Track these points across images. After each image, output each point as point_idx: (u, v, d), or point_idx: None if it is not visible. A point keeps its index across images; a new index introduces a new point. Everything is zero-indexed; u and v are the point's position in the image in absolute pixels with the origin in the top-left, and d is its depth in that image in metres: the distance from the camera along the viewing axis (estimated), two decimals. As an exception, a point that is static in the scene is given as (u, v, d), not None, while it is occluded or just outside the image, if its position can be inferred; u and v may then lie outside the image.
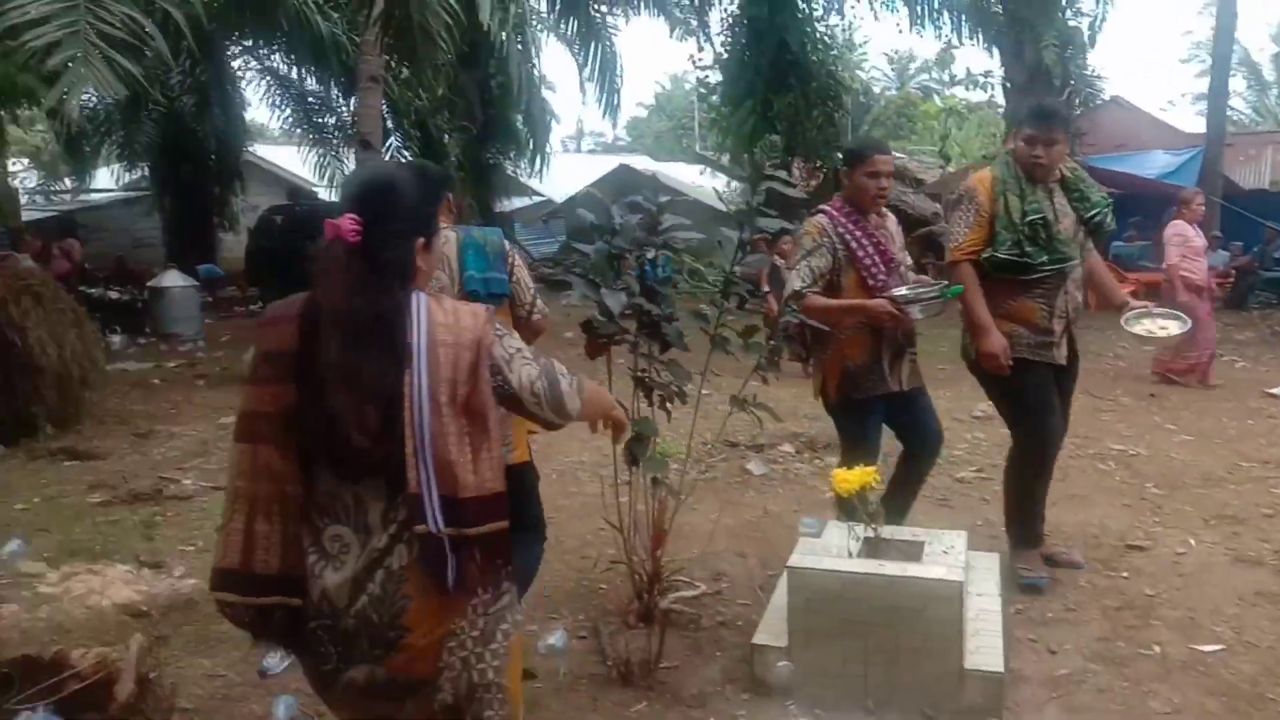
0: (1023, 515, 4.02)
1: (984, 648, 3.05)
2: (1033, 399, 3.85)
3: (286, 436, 1.76)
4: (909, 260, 4.11)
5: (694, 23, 18.22)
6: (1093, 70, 13.59)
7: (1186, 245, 8.31)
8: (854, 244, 3.74)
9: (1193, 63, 38.69)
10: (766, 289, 8.86)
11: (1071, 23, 12.57)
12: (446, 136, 16.55)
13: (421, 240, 1.85)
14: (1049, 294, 3.76)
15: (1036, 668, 3.27)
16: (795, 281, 3.72)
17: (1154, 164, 14.56)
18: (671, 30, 18.77)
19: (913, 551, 3.43)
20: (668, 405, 3.38)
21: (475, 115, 16.46)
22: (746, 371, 3.57)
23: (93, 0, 5.14)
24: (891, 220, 3.98)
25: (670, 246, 3.30)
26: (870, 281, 3.72)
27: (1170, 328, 3.96)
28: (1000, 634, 3.15)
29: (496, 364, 1.83)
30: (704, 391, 3.65)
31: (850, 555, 3.30)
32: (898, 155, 24.36)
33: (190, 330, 12.26)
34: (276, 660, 3.31)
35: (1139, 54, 65.10)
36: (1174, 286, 8.25)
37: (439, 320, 1.77)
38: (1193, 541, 4.48)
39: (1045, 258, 3.68)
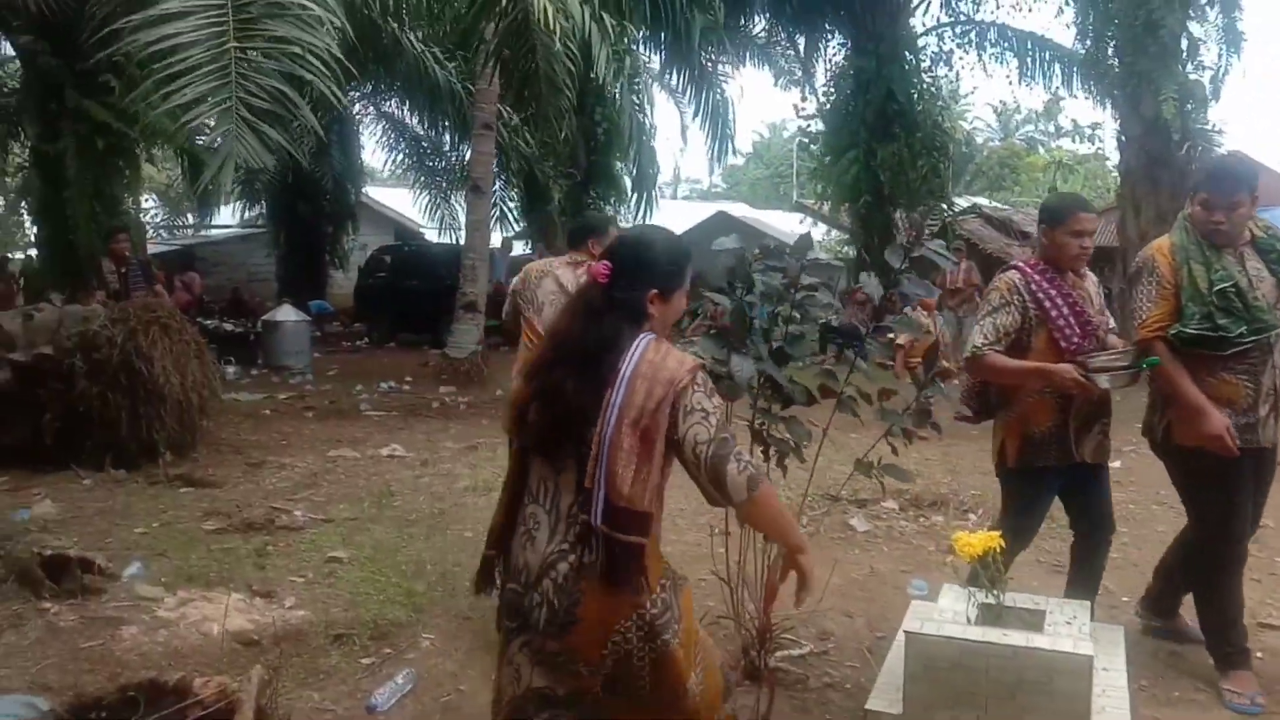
0: (1218, 622, 3.64)
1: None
2: (1228, 491, 3.51)
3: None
4: (1111, 323, 3.82)
5: (799, 73, 18.33)
6: (1213, 125, 13.10)
7: None
8: (1047, 303, 3.53)
9: (1319, 117, 37.13)
10: (898, 342, 8.71)
11: (1193, 75, 12.20)
12: (551, 182, 16.88)
13: (655, 292, 2.19)
14: (1253, 369, 3.42)
15: None
16: (976, 338, 3.57)
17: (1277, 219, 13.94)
18: (776, 80, 18.96)
19: (1034, 621, 3.28)
20: (784, 462, 3.32)
21: (580, 162, 16.76)
22: (861, 427, 3.49)
23: (243, 75, 5.41)
24: (1091, 280, 3.75)
25: (806, 307, 3.24)
26: (1063, 344, 3.50)
27: None
28: (1128, 712, 2.99)
29: (676, 410, 2.08)
30: (819, 447, 3.59)
31: (969, 622, 3.19)
32: (1001, 207, 23.95)
33: (301, 363, 12.68)
34: (385, 696, 3.35)
35: (1257, 105, 62.78)
36: None
37: (648, 358, 2.09)
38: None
39: (1243, 329, 3.33)
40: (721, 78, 15.53)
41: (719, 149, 15.40)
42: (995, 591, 3.23)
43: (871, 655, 3.81)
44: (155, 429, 6.97)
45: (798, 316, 3.27)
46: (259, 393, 10.72)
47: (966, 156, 42.28)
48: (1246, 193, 3.41)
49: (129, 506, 6.00)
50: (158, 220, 25.24)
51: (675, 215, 24.24)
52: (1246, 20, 12.64)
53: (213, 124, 5.71)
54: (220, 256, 23.16)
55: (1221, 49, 12.72)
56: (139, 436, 6.92)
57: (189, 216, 25.36)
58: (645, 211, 17.67)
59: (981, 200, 24.71)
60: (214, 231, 24.45)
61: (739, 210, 28.08)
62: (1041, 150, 39.56)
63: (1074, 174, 31.92)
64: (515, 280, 4.77)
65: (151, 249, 20.20)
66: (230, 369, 11.72)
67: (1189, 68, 12.25)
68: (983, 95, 67.61)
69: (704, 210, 27.03)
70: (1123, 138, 12.85)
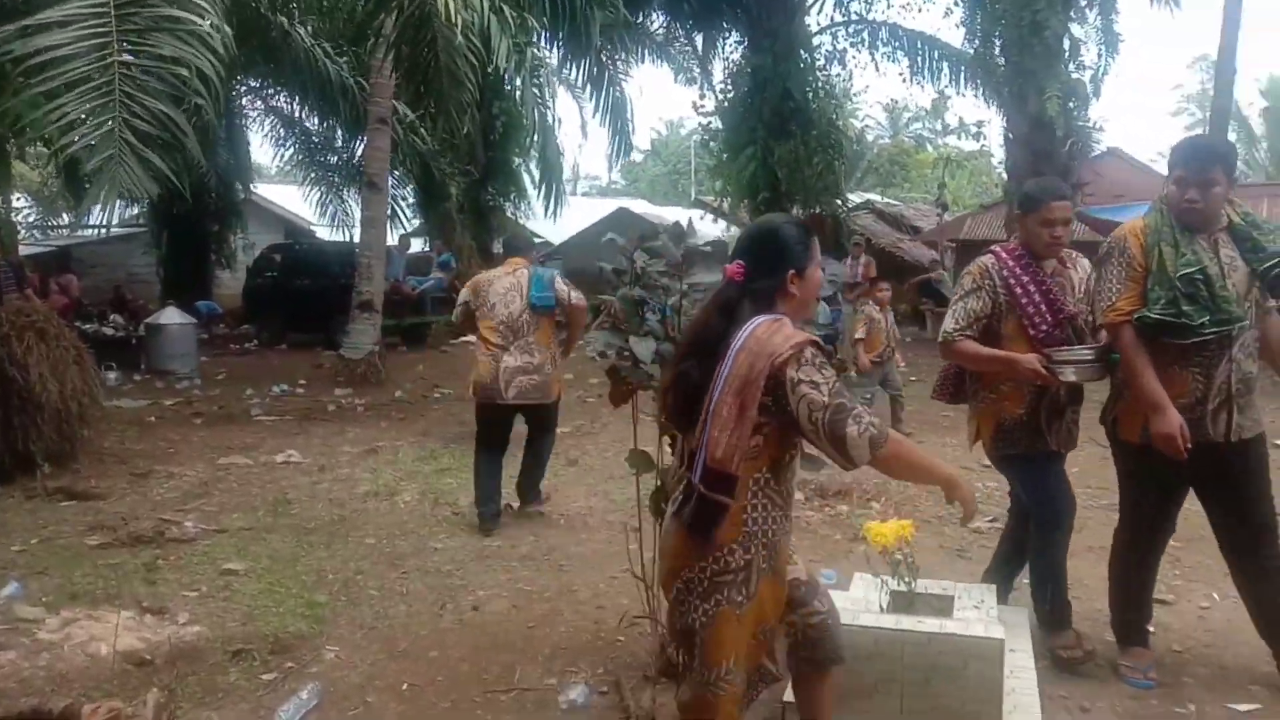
0: (1127, 607, 3.65)
1: (1021, 706, 2.96)
2: (1162, 492, 3.46)
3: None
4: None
5: (697, 70, 18.48)
6: (1093, 122, 13.71)
7: None
8: (1018, 289, 3.50)
9: (1182, 115, 39.24)
10: (856, 337, 8.71)
11: (1075, 75, 12.72)
12: (448, 178, 16.60)
13: (792, 272, 2.36)
14: (1208, 362, 3.24)
15: (1072, 728, 3.19)
16: (948, 322, 3.57)
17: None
18: (675, 77, 19.05)
19: (944, 606, 3.36)
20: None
21: (478, 157, 16.52)
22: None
23: (128, 95, 5.13)
24: (1080, 267, 3.65)
25: (697, 292, 3.24)
26: (1031, 331, 3.46)
27: None
28: (1036, 692, 3.07)
29: (783, 382, 2.20)
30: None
31: (882, 610, 3.23)
32: (892, 203, 24.61)
33: (187, 367, 12.16)
34: (289, 712, 3.20)
35: (1131, 107, 66.09)
36: None
37: (757, 335, 2.25)
38: (1216, 595, 4.40)
39: (1206, 319, 3.16)
40: (621, 74, 15.52)
41: (619, 145, 15.39)
42: (907, 579, 3.28)
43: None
44: (32, 439, 6.58)
45: (688, 305, 3.26)
46: (143, 399, 10.23)
47: (859, 154, 43.29)
48: (1222, 170, 3.24)
49: (4, 523, 5.64)
50: (30, 220, 23.92)
51: (575, 211, 24.14)
52: (1121, 23, 13.20)
53: (94, 143, 5.37)
54: (98, 257, 22.06)
55: (1100, 49, 13.31)
56: (14, 448, 6.53)
57: (64, 216, 24.11)
58: (554, 206, 17.52)
59: (874, 196, 25.36)
60: (90, 231, 23.26)
61: (639, 206, 28.16)
62: (930, 147, 40.84)
63: (961, 170, 33.00)
64: (465, 292, 5.78)
65: (24, 250, 19.13)
66: (111, 375, 11.14)
67: (1071, 67, 12.78)
68: (873, 94, 69.37)
69: (604, 207, 27.01)
70: (1009, 135, 13.32)
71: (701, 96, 17.96)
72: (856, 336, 8.57)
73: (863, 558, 3.75)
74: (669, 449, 3.29)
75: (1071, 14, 12.48)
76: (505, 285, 5.54)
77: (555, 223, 19.28)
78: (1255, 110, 37.40)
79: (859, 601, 3.37)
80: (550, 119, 17.39)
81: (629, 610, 3.87)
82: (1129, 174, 17.75)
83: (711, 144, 17.88)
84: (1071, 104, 12.49)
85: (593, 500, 6.18)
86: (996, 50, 13.11)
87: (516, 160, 18.92)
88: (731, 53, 17.62)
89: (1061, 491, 3.65)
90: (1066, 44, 12.50)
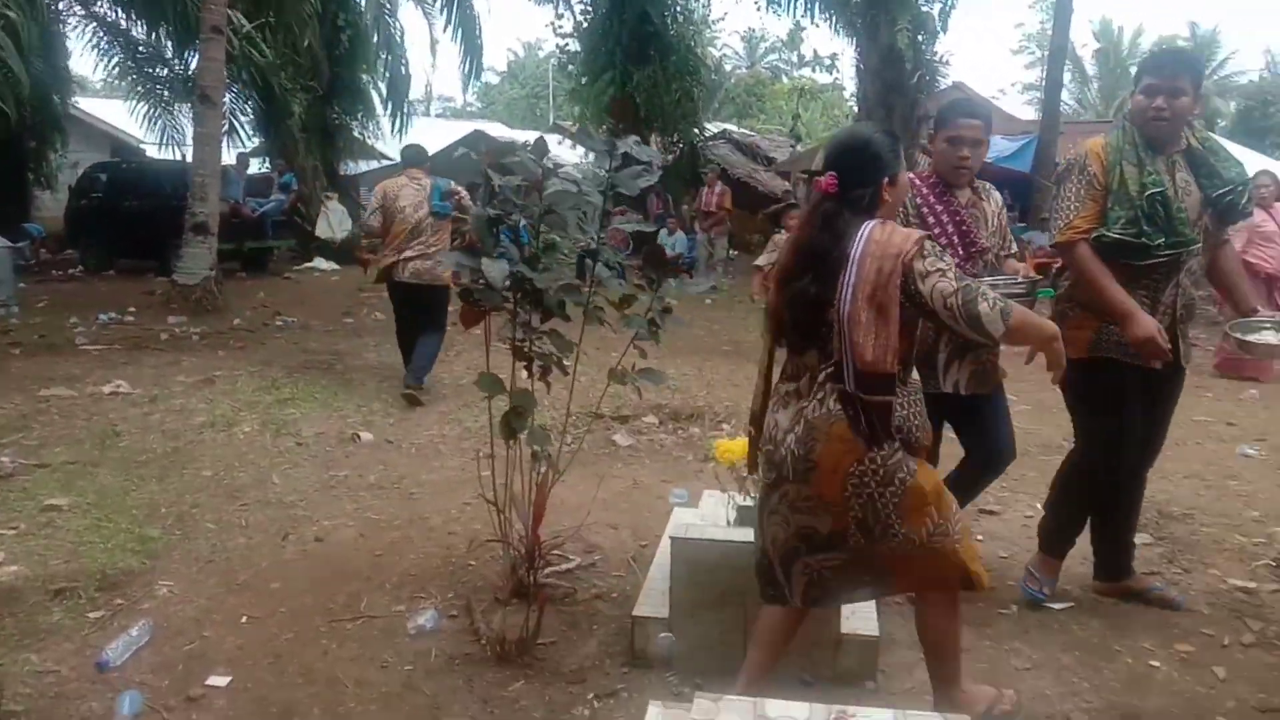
0: (1060, 528, 3.58)
1: (859, 611, 3.08)
2: (1110, 405, 3.31)
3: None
4: (1013, 248, 3.59)
5: (555, -13, 17.96)
6: (940, 56, 14.12)
7: (1254, 231, 7.77)
8: (931, 218, 3.30)
9: (1023, 54, 40.98)
10: (757, 263, 8.63)
11: (924, 8, 13.02)
12: (290, 95, 15.69)
13: (886, 179, 2.44)
14: (1156, 285, 3.20)
15: (906, 631, 3.33)
16: None
17: (992, 149, 15.28)
18: (531, -5, 18.49)
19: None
20: (547, 378, 3.25)
21: (321, 73, 15.68)
22: (612, 342, 3.45)
23: None
24: (994, 201, 3.49)
25: (555, 211, 3.15)
26: None
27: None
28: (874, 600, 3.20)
29: (913, 275, 2.29)
30: (572, 363, 3.53)
31: (728, 524, 3.29)
32: (747, 133, 24.82)
33: (3, 294, 11.21)
34: (117, 651, 3.04)
35: (974, 43, 68.42)
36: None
37: (875, 238, 2.31)
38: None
39: (1161, 240, 3.09)
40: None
41: (471, 65, 14.87)
42: (751, 494, 3.34)
43: (637, 564, 3.87)
44: None
45: (546, 227, 3.18)
46: (-49, 328, 9.41)
47: (717, 83, 43.50)
48: (1189, 79, 3.15)
49: None
50: None
51: (429, 133, 23.29)
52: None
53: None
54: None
55: (949, -19, 13.63)
56: None
57: None
58: (401, 126, 16.84)
59: (730, 126, 25.50)
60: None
61: (496, 130, 27.43)
62: (786, 79, 41.28)
63: (815, 102, 33.53)
64: (374, 198, 6.82)
65: None
66: (-86, 302, 10.19)
67: (920, 0, 13.06)
68: (731, 23, 69.41)
69: (459, 129, 26.18)
70: (860, 66, 13.56)
71: (559, 17, 17.54)
72: (757, 262, 8.49)
73: (713, 476, 3.81)
74: (524, 372, 3.24)
75: (923, -53, 12.73)
76: (412, 192, 6.60)
77: (403, 142, 18.57)
78: (1089, 51, 39.51)
79: (708, 517, 3.43)
80: (396, 33, 16.62)
81: (480, 535, 3.83)
82: (972, 108, 18.40)
83: (570, 67, 17.53)
84: (920, 37, 12.80)
85: (445, 428, 6.07)
86: (851, -19, 13.27)
87: (365, 77, 18.04)
88: (590, -30, 17.21)
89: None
90: (918, -25, 12.76)
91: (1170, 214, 3.11)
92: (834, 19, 14.43)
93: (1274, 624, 3.46)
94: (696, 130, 16.55)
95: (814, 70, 31.46)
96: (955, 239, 3.31)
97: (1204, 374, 7.67)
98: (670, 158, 16.37)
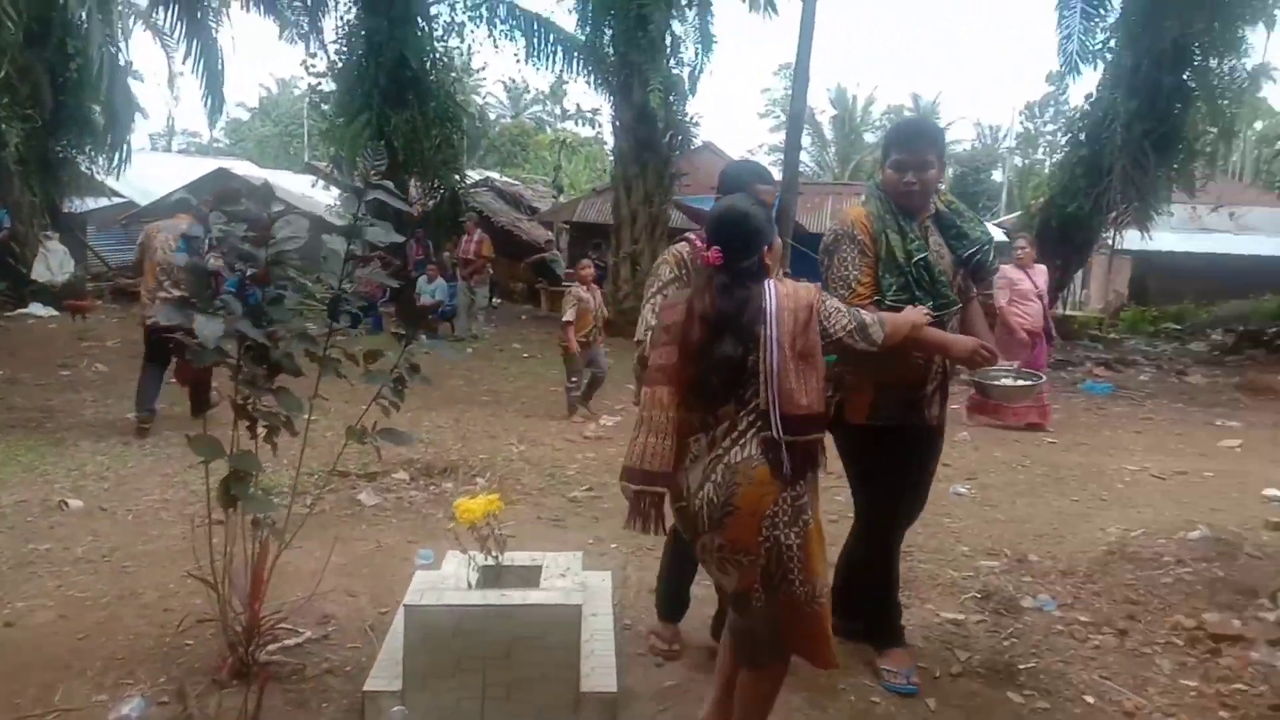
0: (877, 602, 3.55)
1: (599, 668, 3.08)
2: (896, 469, 3.37)
3: (674, 382, 2.60)
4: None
5: (306, 27, 17.33)
6: (690, 117, 14.79)
7: (1014, 289, 8.49)
8: None
9: (768, 117, 43.83)
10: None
11: (675, 71, 13.62)
12: (5, 125, 14.17)
13: (766, 247, 2.63)
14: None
15: (646, 683, 3.37)
16: (644, 325, 3.11)
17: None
18: (281, 32, 17.74)
19: (531, 576, 3.42)
20: (273, 438, 3.05)
21: (43, 102, 14.28)
22: (361, 394, 3.31)
23: None
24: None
25: (282, 262, 2.98)
26: None
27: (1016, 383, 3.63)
28: (613, 653, 3.21)
29: (822, 317, 2.59)
30: (311, 418, 3.34)
31: (469, 587, 3.21)
32: (511, 181, 24.97)
33: None
34: None
35: (726, 106, 72.51)
36: (1006, 329, 8.31)
37: (783, 294, 2.55)
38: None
39: (931, 304, 3.16)
40: (213, 22, 14.15)
41: (214, 100, 14.05)
42: (494, 553, 3.28)
43: (375, 633, 3.68)
44: None
45: (278, 273, 3.00)
46: None
47: (481, 131, 43.54)
48: (935, 153, 3.26)
49: None
50: None
51: (167, 169, 21.88)
52: (718, 25, 14.40)
53: None
54: None
55: (698, 48, 14.37)
56: None
57: None
58: (120, 161, 15.57)
59: (493, 174, 25.55)
60: None
61: (242, 168, 26.01)
62: (549, 130, 41.94)
63: (577, 154, 34.23)
64: (141, 238, 7.17)
65: None
66: None
67: (672, 63, 13.66)
68: (495, 72, 69.80)
69: (202, 166, 24.64)
70: (616, 122, 13.98)
71: (311, 55, 16.93)
72: (566, 318, 8.33)
73: (455, 536, 3.70)
74: (246, 431, 3.03)
75: (674, 11, 13.34)
76: (166, 236, 6.78)
77: (121, 179, 17.17)
78: (827, 117, 42.78)
79: (448, 579, 3.32)
80: (119, 61, 15.40)
81: (196, 611, 3.52)
82: (722, 167, 19.44)
83: (324, 107, 16.94)
84: (672, 98, 13.37)
85: (169, 492, 5.59)
86: (606, 40, 13.68)
87: (95, 108, 16.61)
88: (345, 12, 16.76)
89: None
90: (669, 40, 13.35)
91: (934, 277, 3.21)
92: (592, 76, 14.82)
93: (978, 653, 3.76)
94: (458, 177, 16.40)
95: (577, 124, 32.29)
96: None
97: (950, 420, 8.36)
98: (430, 203, 16.14)
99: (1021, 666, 3.64)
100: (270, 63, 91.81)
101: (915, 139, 3.33)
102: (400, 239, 3.45)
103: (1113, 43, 14.05)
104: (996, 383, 3.59)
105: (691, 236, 3.37)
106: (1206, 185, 15.21)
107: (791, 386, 2.48)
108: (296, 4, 17.07)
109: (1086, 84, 14.12)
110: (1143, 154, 13.20)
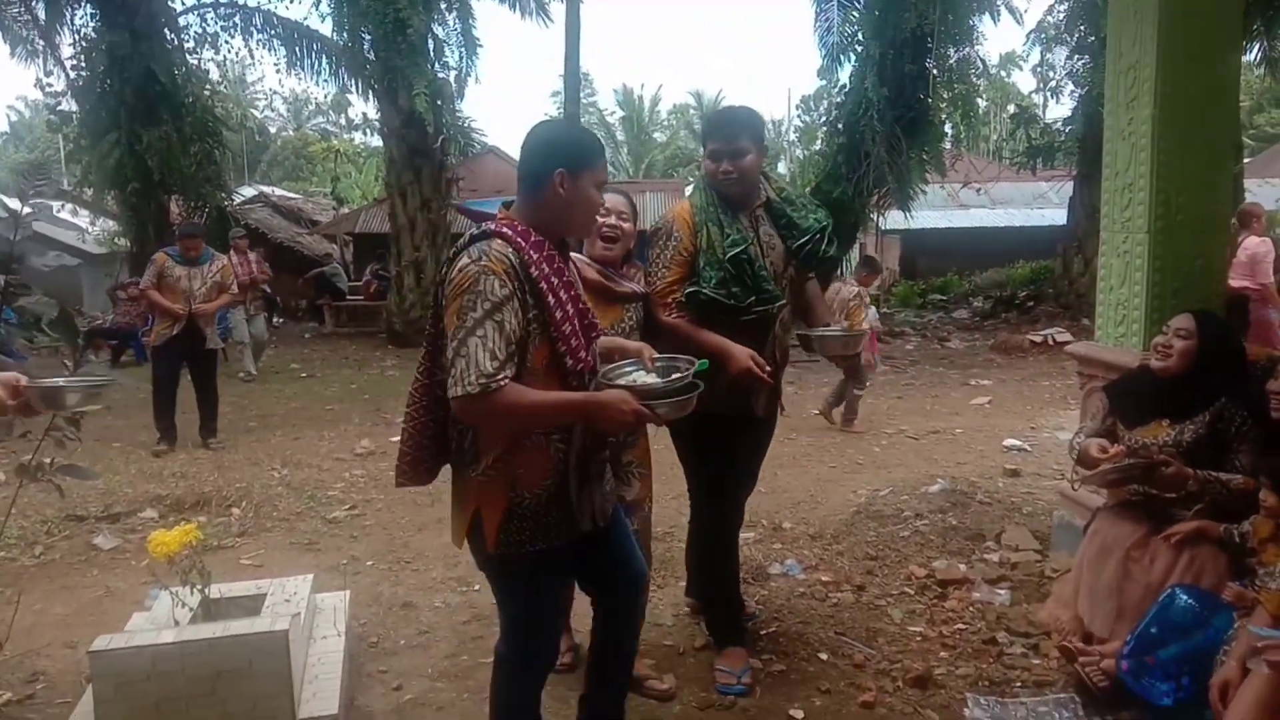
0: (714, 604, 3.54)
1: (320, 693, 2.95)
2: (716, 463, 3.34)
3: None
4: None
5: (40, 43, 15.97)
6: (466, 121, 14.60)
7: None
8: (550, 298, 2.23)
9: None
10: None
11: (440, 75, 13.40)
12: None
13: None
14: (755, 340, 3.15)
15: (384, 700, 3.27)
16: (483, 362, 2.08)
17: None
18: (12, 51, 16.28)
19: (254, 605, 3.25)
20: None
21: None
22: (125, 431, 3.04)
23: None
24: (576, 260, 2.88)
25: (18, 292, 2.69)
26: (570, 362, 2.28)
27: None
28: (339, 676, 3.08)
29: None
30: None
31: (176, 624, 3.01)
32: (288, 195, 23.98)
33: None
34: None
35: (514, 111, 72.39)
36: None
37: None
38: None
39: (751, 299, 3.11)
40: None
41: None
42: (199, 587, 3.10)
43: (90, 685, 3.40)
44: None
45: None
46: None
47: (261, 145, 41.60)
48: (749, 139, 3.14)
49: None
50: None
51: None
52: (488, 29, 14.34)
53: None
54: None
55: (462, 52, 14.20)
56: None
57: None
58: None
59: (268, 189, 24.44)
60: None
61: (-12, 199, 23.78)
62: (335, 141, 40.58)
63: (366, 165, 33.24)
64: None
65: None
66: None
67: (436, 67, 13.43)
68: (275, 84, 66.78)
69: (-62, 200, 22.32)
70: (383, 129, 13.63)
71: (48, 74, 15.63)
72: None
73: (151, 573, 3.43)
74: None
75: (433, 16, 13.12)
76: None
77: None
78: (616, 118, 43.34)
79: (158, 619, 3.11)
80: None
81: None
82: (509, 170, 19.31)
83: (65, 129, 15.67)
84: (440, 102, 13.15)
85: None
86: (366, 46, 13.32)
87: None
88: (84, 26, 15.55)
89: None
90: (431, 44, 13.12)
91: (755, 272, 3.12)
92: (357, 83, 14.39)
93: (724, 623, 3.86)
94: (223, 194, 15.54)
95: (365, 134, 31.34)
96: (578, 323, 2.32)
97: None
98: (197, 220, 15.22)
99: (763, 632, 3.76)
100: (19, 85, 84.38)
101: (727, 125, 3.19)
102: (74, 263, 3.20)
103: (861, 34, 14.88)
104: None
105: (507, 232, 2.22)
106: (956, 165, 16.35)
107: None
108: (25, 18, 15.75)
109: (848, 74, 14.79)
110: (895, 139, 14.02)
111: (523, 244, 2.20)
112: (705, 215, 3.17)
